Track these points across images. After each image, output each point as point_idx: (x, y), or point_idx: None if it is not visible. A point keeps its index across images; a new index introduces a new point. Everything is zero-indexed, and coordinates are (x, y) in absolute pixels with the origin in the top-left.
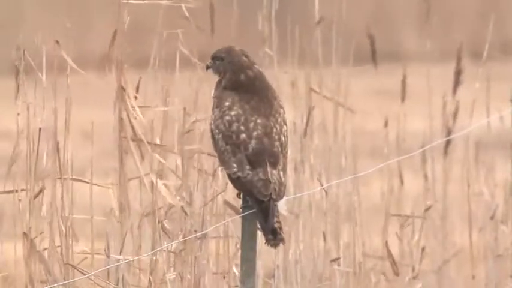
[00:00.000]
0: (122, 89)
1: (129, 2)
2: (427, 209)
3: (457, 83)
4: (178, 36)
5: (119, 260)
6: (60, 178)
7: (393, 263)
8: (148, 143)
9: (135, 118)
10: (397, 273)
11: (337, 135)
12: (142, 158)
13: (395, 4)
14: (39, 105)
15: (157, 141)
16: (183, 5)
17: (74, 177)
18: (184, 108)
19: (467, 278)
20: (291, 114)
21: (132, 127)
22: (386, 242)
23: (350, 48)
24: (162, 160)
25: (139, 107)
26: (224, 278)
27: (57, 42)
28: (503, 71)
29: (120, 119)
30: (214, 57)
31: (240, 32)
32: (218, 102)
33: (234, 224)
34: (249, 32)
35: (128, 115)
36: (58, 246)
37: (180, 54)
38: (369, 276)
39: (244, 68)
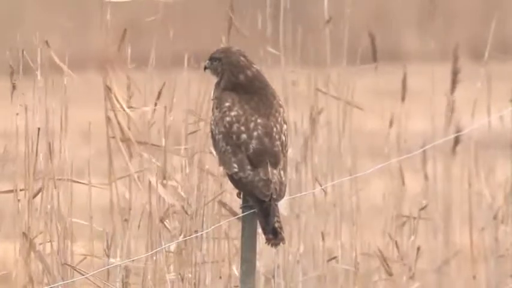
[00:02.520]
0: (107, 88)
1: (115, 0)
2: (422, 208)
3: (454, 82)
4: (180, 35)
5: (119, 260)
6: (53, 178)
7: (386, 263)
8: (139, 142)
9: (127, 117)
10: (390, 274)
11: (340, 135)
12: (131, 157)
13: (397, 4)
14: (36, 105)
15: (163, 142)
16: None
17: (70, 178)
18: (165, 107)
19: (468, 278)
20: (293, 114)
21: (120, 127)
22: (396, 242)
23: (352, 47)
24: (153, 160)
25: (129, 107)
26: (220, 278)
27: (47, 42)
28: (503, 71)
29: (108, 119)
30: (212, 58)
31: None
32: (218, 103)
33: (233, 224)
34: (252, 32)
35: (116, 115)
36: (55, 242)
37: (180, 54)
38: (369, 276)
39: (243, 68)
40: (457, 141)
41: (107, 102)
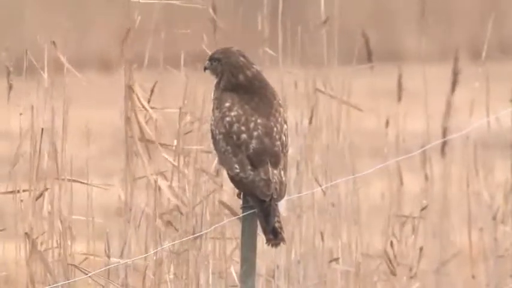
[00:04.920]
0: (130, 88)
1: (139, 1)
2: (423, 208)
3: (455, 82)
4: (181, 36)
5: (119, 260)
6: (58, 179)
7: (390, 263)
8: (159, 143)
9: (147, 119)
10: (394, 273)
11: (338, 135)
12: (150, 158)
13: (394, 4)
14: (39, 105)
15: (174, 142)
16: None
17: (72, 178)
18: (180, 108)
19: (467, 278)
20: (292, 114)
21: (140, 127)
22: (391, 243)
23: (350, 48)
24: (172, 162)
25: (151, 108)
26: (220, 278)
27: (54, 42)
28: (502, 71)
29: (127, 119)
30: (211, 59)
31: (243, 32)
32: (218, 104)
33: (231, 223)
34: (252, 32)
35: (136, 115)
36: (56, 247)
37: (183, 55)
38: (369, 276)
39: (243, 68)
40: (456, 141)
41: (128, 102)
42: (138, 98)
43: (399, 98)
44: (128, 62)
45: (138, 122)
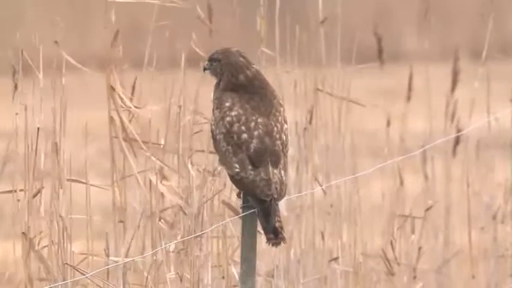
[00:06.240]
0: (111, 88)
1: (119, 0)
2: (428, 208)
3: (454, 82)
4: (179, 35)
5: (118, 260)
6: (53, 178)
7: (388, 263)
8: (143, 142)
9: (130, 119)
10: (392, 273)
11: (339, 134)
12: (135, 156)
13: (396, 4)
14: (37, 105)
15: (162, 142)
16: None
17: (70, 177)
18: (180, 106)
19: (467, 278)
20: (292, 114)
21: (123, 127)
22: (392, 242)
23: (351, 47)
24: (156, 160)
25: (135, 107)
26: (223, 278)
27: (56, 42)
28: (502, 71)
29: (111, 119)
30: (211, 59)
31: (241, 32)
32: (218, 104)
33: (233, 223)
34: (250, 32)
35: (119, 115)
36: (54, 244)
37: (179, 54)
38: (369, 276)
39: (242, 68)
40: (457, 141)
41: (110, 101)
42: (121, 97)
43: (408, 98)
44: (111, 62)
45: (122, 122)
